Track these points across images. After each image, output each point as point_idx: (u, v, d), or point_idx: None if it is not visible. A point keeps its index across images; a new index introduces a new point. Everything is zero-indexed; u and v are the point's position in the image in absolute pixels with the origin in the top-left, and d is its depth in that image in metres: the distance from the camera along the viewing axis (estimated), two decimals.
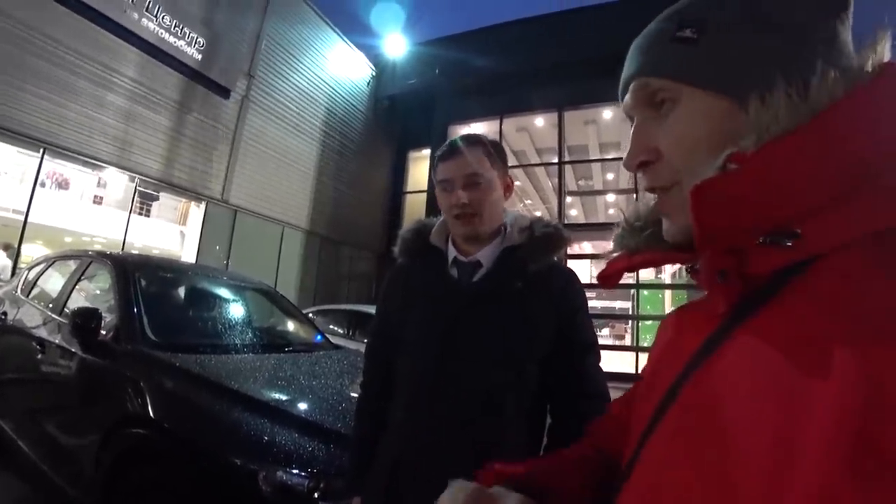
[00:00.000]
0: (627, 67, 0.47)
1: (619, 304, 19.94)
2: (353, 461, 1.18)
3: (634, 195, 11.16)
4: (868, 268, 0.30)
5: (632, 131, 0.46)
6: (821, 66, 0.36)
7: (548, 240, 1.04)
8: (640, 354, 10.48)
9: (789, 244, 0.34)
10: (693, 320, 0.44)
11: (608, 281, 0.51)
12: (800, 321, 0.31)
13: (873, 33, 0.37)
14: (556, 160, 11.88)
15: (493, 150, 1.08)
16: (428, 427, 0.99)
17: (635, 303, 12.94)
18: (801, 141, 0.33)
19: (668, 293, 13.55)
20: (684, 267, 0.45)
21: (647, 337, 11.75)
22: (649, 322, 12.43)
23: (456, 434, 0.96)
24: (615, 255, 0.51)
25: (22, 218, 6.89)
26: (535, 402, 1.02)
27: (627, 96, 0.47)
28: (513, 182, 1.12)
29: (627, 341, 14.32)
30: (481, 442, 0.95)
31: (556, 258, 1.07)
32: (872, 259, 0.30)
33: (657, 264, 0.49)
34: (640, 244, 0.49)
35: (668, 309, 13.22)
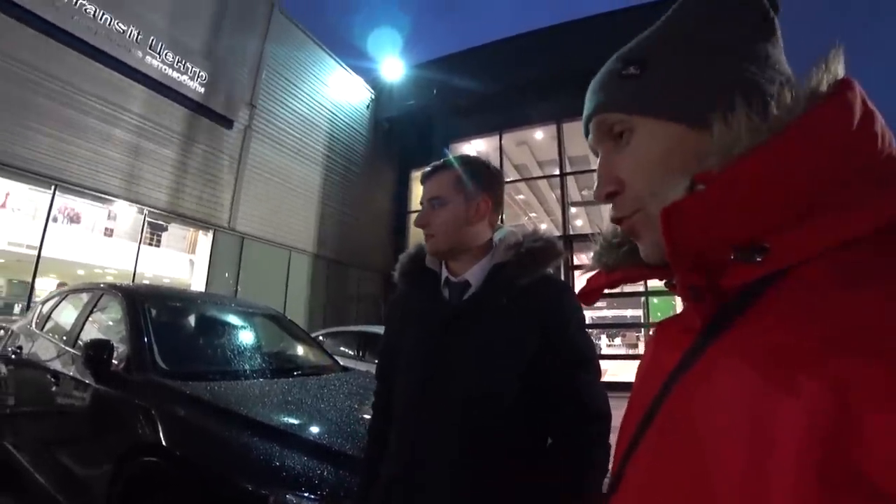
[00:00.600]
0: (586, 108, 0.50)
1: (630, 313, 19.77)
2: (360, 481, 1.20)
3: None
4: (833, 281, 0.31)
5: (598, 165, 0.48)
6: (777, 87, 0.37)
7: (535, 254, 1.04)
8: None
9: (759, 259, 0.35)
10: (672, 335, 0.45)
11: (588, 298, 0.52)
12: (768, 337, 0.31)
13: (825, 52, 0.38)
14: (557, 172, 11.94)
15: (469, 173, 1.09)
16: (414, 446, 1.00)
17: (646, 310, 12.81)
18: (763, 159, 0.34)
19: (679, 300, 13.42)
20: (663, 281, 0.47)
21: None
22: None
23: (440, 452, 0.97)
24: (593, 272, 0.53)
25: (35, 252, 7.03)
26: (522, 422, 0.98)
27: (590, 135, 0.50)
28: (492, 202, 1.10)
29: (640, 350, 14.14)
30: (464, 462, 0.95)
31: (548, 271, 1.06)
32: (837, 272, 0.31)
33: (635, 280, 0.50)
34: (619, 261, 0.50)
35: None
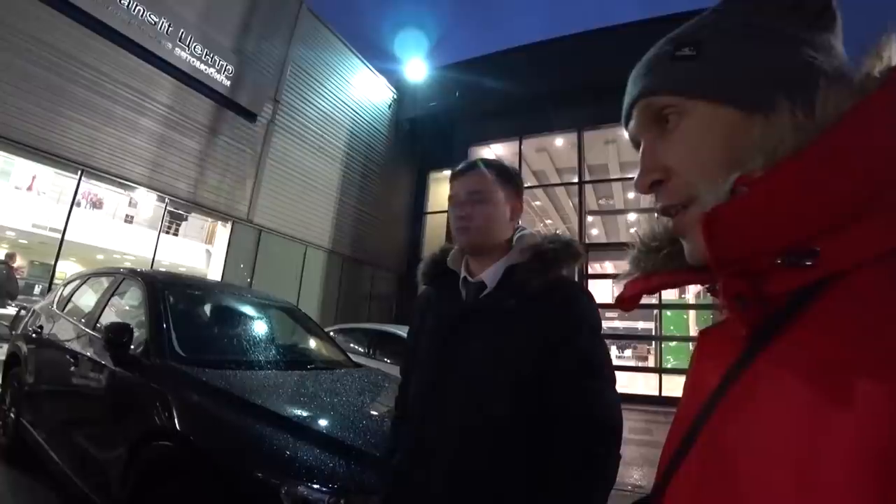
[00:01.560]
0: (629, 94, 0.48)
1: (641, 325, 19.54)
2: (387, 478, 1.21)
3: (656, 214, 11.01)
4: (888, 288, 0.29)
5: (640, 153, 0.46)
6: (823, 80, 0.35)
7: (550, 255, 1.03)
8: (663, 376, 10.22)
9: (808, 263, 0.33)
10: (716, 345, 0.43)
11: (626, 304, 0.49)
12: (819, 348, 0.30)
13: (877, 40, 0.36)
14: (576, 180, 11.87)
15: (503, 175, 1.12)
16: (425, 442, 1.02)
17: (658, 323, 12.65)
18: (808, 161, 0.32)
19: (692, 313, 13.23)
20: (704, 287, 0.45)
21: (671, 358, 11.47)
22: (673, 343, 12.14)
23: (443, 451, 0.98)
24: (631, 277, 0.50)
25: (58, 235, 7.19)
26: (534, 425, 0.96)
27: (632, 121, 0.48)
28: (522, 206, 1.14)
29: (651, 363, 13.97)
30: (465, 461, 0.96)
31: (563, 273, 1.05)
32: (892, 277, 0.29)
33: (674, 286, 0.47)
34: (657, 265, 0.48)
35: (693, 329, 12.89)
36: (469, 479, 0.94)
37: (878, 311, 0.28)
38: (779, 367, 0.32)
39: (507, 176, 1.13)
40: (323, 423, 2.00)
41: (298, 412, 2.02)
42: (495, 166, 1.13)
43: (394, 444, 1.18)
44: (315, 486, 1.56)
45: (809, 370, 0.29)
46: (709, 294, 0.44)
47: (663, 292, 0.48)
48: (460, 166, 1.15)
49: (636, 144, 0.48)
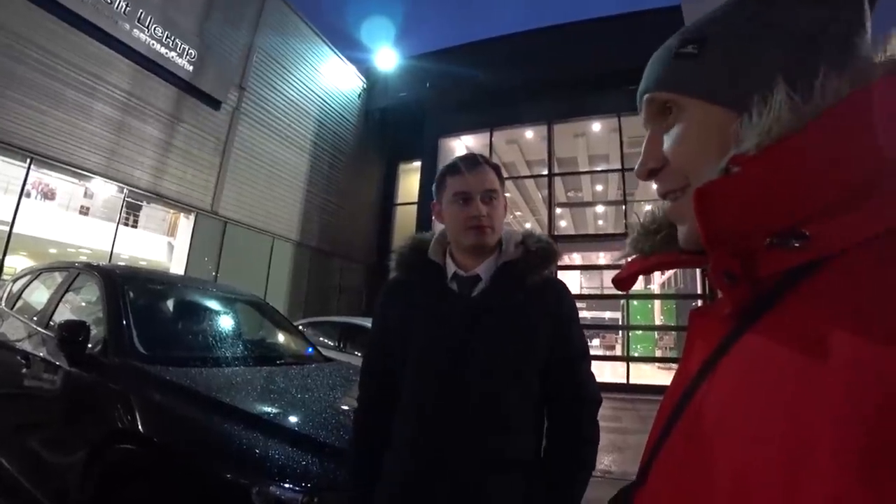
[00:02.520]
0: (641, 84, 0.49)
1: (609, 315, 20.05)
2: (355, 476, 1.16)
3: (623, 206, 11.28)
4: (877, 267, 0.29)
5: (644, 142, 0.48)
6: (824, 67, 0.35)
7: (542, 254, 1.11)
8: (630, 365, 10.51)
9: (797, 245, 0.33)
10: (706, 325, 0.44)
11: (624, 284, 0.51)
12: (807, 322, 0.30)
13: (885, 33, 0.37)
14: (545, 172, 12.00)
15: (498, 173, 1.16)
16: (437, 440, 1.01)
17: (625, 313, 13.00)
18: (801, 142, 0.33)
19: (657, 303, 13.66)
20: (700, 270, 0.46)
21: (638, 347, 11.81)
22: (639, 332, 12.49)
23: (464, 446, 0.99)
24: (630, 258, 0.52)
25: (6, 228, 6.79)
26: (536, 409, 1.07)
27: (641, 112, 0.50)
28: (506, 201, 1.19)
29: (618, 351, 14.35)
30: (489, 451, 1.00)
31: (549, 271, 1.12)
32: (881, 258, 0.30)
33: (671, 267, 0.50)
34: (655, 247, 0.50)
35: (658, 319, 13.31)
36: (493, 467, 0.99)
37: (865, 288, 0.29)
38: (765, 340, 0.33)
39: (501, 174, 1.17)
40: (294, 419, 1.95)
41: (268, 409, 1.97)
42: (492, 164, 1.15)
43: (370, 449, 1.13)
44: (287, 486, 1.53)
45: (794, 341, 0.30)
46: (681, 284, 0.45)
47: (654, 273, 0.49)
48: (465, 160, 1.14)
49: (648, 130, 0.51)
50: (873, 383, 0.24)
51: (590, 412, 1.10)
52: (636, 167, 0.48)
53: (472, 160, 1.13)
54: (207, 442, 1.70)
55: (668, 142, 0.45)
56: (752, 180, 0.34)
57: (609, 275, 9.57)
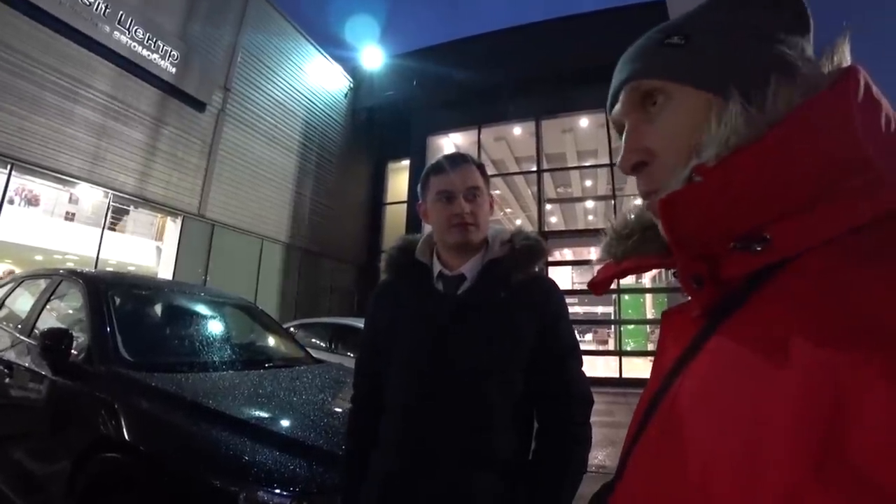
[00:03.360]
0: (617, 77, 0.49)
1: (601, 310, 20.17)
2: (345, 476, 1.17)
3: (612, 201, 11.34)
4: (835, 268, 0.31)
5: (624, 135, 0.48)
6: (774, 77, 0.37)
7: (528, 251, 1.09)
8: (623, 359, 10.58)
9: (759, 248, 0.35)
10: (677, 326, 0.45)
11: (597, 288, 0.53)
12: (768, 324, 0.32)
13: (832, 42, 0.38)
14: (534, 168, 12.02)
15: (482, 170, 1.16)
16: (420, 439, 1.01)
17: (617, 307, 13.06)
18: (757, 153, 0.34)
19: (648, 297, 13.74)
20: (671, 271, 0.46)
21: (630, 341, 11.88)
22: (631, 326, 12.57)
23: (447, 445, 0.99)
24: (603, 263, 0.53)
25: None
26: (521, 408, 1.05)
27: (618, 104, 0.49)
28: (493, 199, 1.18)
29: (611, 346, 14.44)
30: (472, 451, 0.99)
31: (537, 269, 1.11)
32: (840, 259, 0.31)
33: (642, 270, 0.51)
34: (628, 251, 0.51)
35: (650, 313, 13.41)
36: (479, 461, 0.98)
37: (822, 290, 0.30)
38: (730, 342, 0.35)
39: (485, 172, 1.16)
40: (282, 423, 1.94)
41: (256, 413, 1.95)
42: (475, 162, 1.15)
43: (361, 450, 1.14)
44: (276, 491, 1.51)
45: (756, 343, 0.32)
46: (674, 278, 0.47)
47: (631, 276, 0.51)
48: (448, 159, 1.14)
49: (619, 129, 0.50)
50: (826, 383, 0.25)
51: (580, 412, 1.06)
52: (619, 161, 0.48)
53: (454, 158, 1.13)
54: (194, 448, 1.67)
55: (653, 133, 0.45)
56: (713, 189, 0.36)
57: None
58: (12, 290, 3.43)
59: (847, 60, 0.38)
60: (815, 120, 0.34)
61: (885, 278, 0.28)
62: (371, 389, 1.16)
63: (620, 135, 0.50)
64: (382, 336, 1.15)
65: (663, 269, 0.49)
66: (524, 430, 1.07)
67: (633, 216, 0.52)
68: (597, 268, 0.54)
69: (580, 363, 1.11)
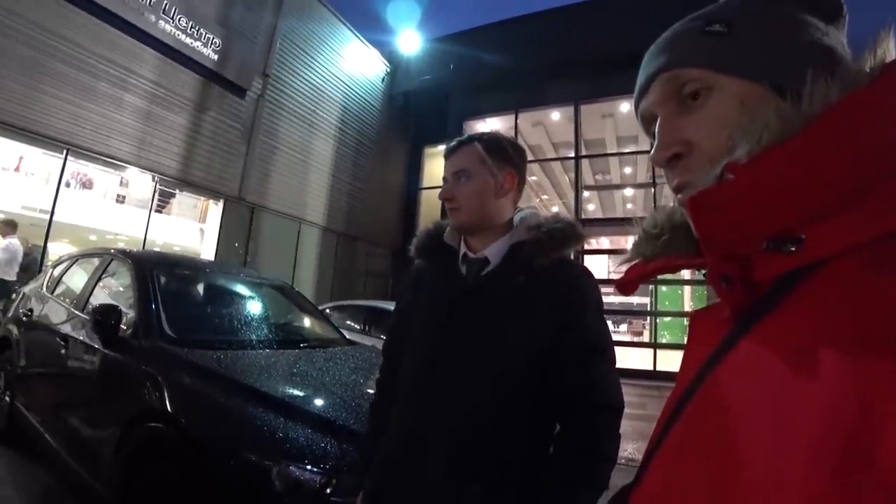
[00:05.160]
0: (650, 65, 0.47)
1: (637, 301, 19.68)
2: (360, 457, 1.20)
3: (653, 189, 10.99)
4: (871, 273, 0.29)
5: (658, 126, 0.46)
6: (811, 72, 0.35)
7: (555, 236, 1.02)
8: (657, 351, 10.33)
9: (793, 249, 0.34)
10: (706, 327, 0.44)
11: (626, 288, 0.51)
12: (799, 329, 0.31)
13: (874, 34, 0.36)
14: (572, 154, 11.76)
15: (494, 146, 1.08)
16: (420, 424, 0.99)
17: (653, 299, 12.73)
18: (791, 151, 0.33)
19: (687, 289, 13.32)
20: (701, 271, 0.45)
21: (665, 334, 11.58)
22: (668, 319, 12.24)
23: (438, 433, 0.95)
24: (632, 263, 0.52)
25: (47, 217, 7.07)
26: (536, 408, 0.97)
27: (651, 95, 0.47)
28: (515, 178, 1.10)
29: (646, 338, 14.13)
30: (462, 447, 0.94)
31: (567, 254, 1.04)
32: (875, 264, 0.29)
33: (671, 270, 0.49)
34: (656, 251, 0.49)
35: (688, 305, 13.00)
36: (472, 460, 0.92)
37: (856, 295, 0.29)
38: (759, 346, 0.33)
39: (499, 147, 1.09)
40: (315, 402, 1.99)
41: (290, 392, 2.01)
42: (486, 139, 1.09)
43: (377, 431, 1.13)
44: (307, 467, 1.56)
45: (786, 349, 0.30)
46: (704, 277, 0.45)
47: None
48: (449, 145, 1.12)
49: (647, 120, 0.49)
50: (854, 394, 0.24)
51: (606, 420, 0.93)
52: (653, 153, 0.45)
53: (453, 143, 1.12)
54: (230, 422, 1.74)
55: (694, 125, 0.43)
56: (745, 188, 0.35)
57: None
58: (68, 268, 3.64)
59: (891, 55, 0.36)
60: (854, 117, 0.32)
61: None
62: (391, 373, 1.17)
63: (646, 127, 0.49)
64: (403, 317, 1.16)
65: None
66: (538, 434, 0.98)
67: (662, 216, 0.50)
68: (624, 267, 0.52)
69: (610, 365, 0.98)
